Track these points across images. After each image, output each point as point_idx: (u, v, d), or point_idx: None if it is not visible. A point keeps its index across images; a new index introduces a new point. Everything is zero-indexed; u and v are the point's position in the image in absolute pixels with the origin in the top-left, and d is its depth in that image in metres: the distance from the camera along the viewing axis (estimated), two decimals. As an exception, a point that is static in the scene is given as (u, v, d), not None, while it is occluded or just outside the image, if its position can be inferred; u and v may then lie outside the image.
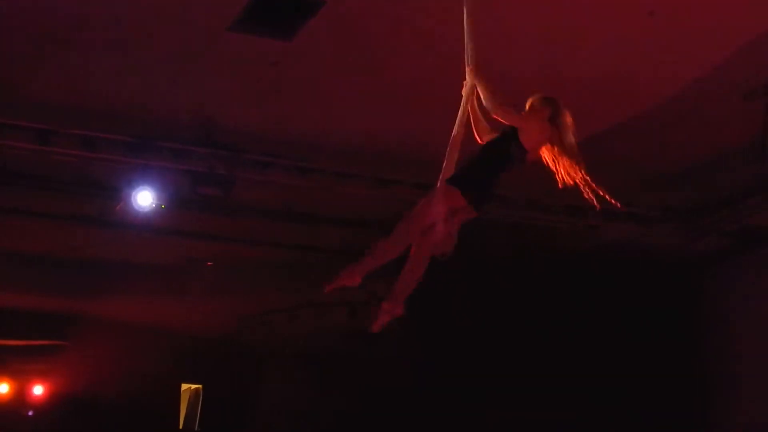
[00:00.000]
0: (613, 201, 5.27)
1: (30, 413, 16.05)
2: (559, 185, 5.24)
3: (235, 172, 9.81)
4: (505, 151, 5.12)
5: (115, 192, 9.97)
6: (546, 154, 5.27)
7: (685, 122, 9.42)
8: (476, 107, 5.26)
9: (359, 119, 9.18)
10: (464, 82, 5.20)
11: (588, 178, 5.26)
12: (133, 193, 9.79)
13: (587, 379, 12.47)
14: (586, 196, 5.30)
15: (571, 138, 5.23)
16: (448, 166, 5.12)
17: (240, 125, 9.39)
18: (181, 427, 17.60)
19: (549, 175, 5.48)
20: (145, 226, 10.71)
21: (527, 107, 5.24)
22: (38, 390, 16.09)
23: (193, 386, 17.84)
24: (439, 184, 5.07)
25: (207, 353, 16.91)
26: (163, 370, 16.30)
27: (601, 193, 5.30)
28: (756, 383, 12.40)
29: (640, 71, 8.32)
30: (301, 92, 8.70)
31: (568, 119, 5.23)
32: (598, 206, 5.32)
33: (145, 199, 9.82)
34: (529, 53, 7.85)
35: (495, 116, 5.13)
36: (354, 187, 10.17)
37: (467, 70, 5.19)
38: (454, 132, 5.16)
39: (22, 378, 16.03)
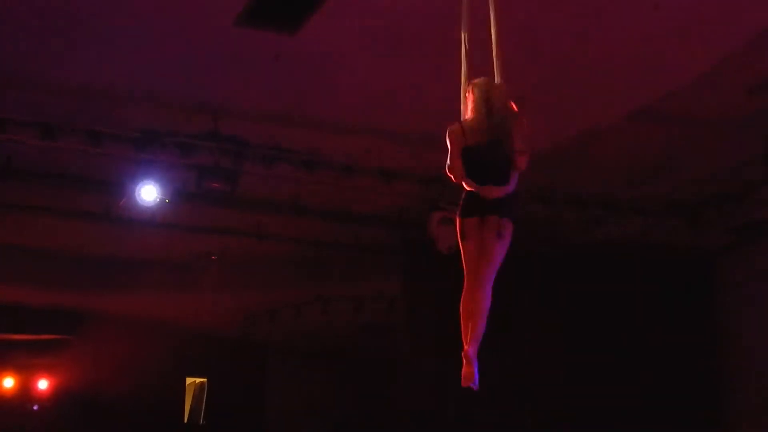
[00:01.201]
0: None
1: (35, 408, 16.05)
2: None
3: (242, 166, 9.80)
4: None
5: (119, 187, 9.96)
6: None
7: (689, 116, 9.37)
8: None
9: (361, 113, 9.14)
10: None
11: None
12: (138, 188, 9.78)
13: (596, 377, 12.35)
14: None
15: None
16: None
17: (246, 119, 9.34)
18: (186, 421, 17.58)
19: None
20: (150, 221, 10.69)
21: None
22: (43, 385, 16.08)
23: (198, 380, 17.80)
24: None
25: (212, 348, 16.93)
26: (169, 364, 16.29)
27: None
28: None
29: (645, 63, 8.22)
30: (306, 85, 8.66)
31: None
32: None
33: (149, 193, 9.82)
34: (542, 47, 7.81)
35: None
36: (360, 181, 10.13)
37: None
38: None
39: (27, 373, 16.03)
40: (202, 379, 17.74)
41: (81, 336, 15.49)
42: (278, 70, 8.33)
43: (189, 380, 17.75)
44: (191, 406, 17.77)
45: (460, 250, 4.93)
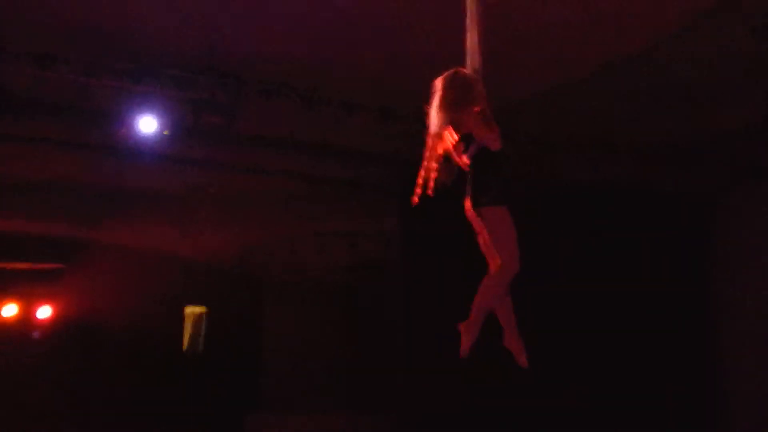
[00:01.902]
0: None
1: (36, 335, 16.15)
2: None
3: (238, 101, 9.69)
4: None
5: (118, 118, 9.86)
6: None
7: (688, 58, 9.20)
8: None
9: (367, 47, 8.98)
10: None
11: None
12: (136, 120, 9.74)
13: (589, 312, 12.41)
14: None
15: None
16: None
17: (244, 53, 9.22)
18: (184, 348, 17.73)
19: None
20: (148, 153, 10.63)
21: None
22: (44, 312, 16.16)
23: (198, 309, 17.88)
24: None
25: (211, 278, 17.05)
26: (168, 293, 16.43)
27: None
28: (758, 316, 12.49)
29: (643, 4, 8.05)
30: (306, 19, 8.49)
31: None
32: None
33: (148, 125, 9.78)
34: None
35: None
36: (360, 118, 10.07)
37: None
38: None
39: (28, 301, 16.09)
40: (200, 309, 17.83)
41: (82, 265, 15.51)
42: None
43: (188, 309, 17.81)
44: (190, 334, 17.84)
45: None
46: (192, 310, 17.82)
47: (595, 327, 12.39)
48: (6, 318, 15.92)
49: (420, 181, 4.77)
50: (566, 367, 12.04)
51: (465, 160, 4.77)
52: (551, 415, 11.91)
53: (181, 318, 17.70)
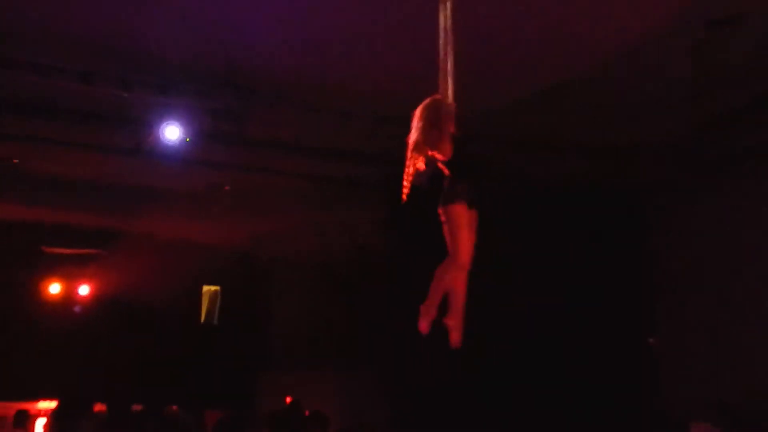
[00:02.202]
0: None
1: (77, 309, 16.21)
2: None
3: (249, 110, 9.66)
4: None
5: (147, 126, 9.83)
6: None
7: (629, 71, 9.04)
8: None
9: (362, 62, 8.85)
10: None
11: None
12: (162, 128, 9.69)
13: (538, 304, 12.05)
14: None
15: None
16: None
17: (255, 69, 9.09)
18: (202, 321, 17.78)
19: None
20: (173, 156, 10.46)
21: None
22: (84, 290, 16.23)
23: (213, 288, 17.91)
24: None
25: (225, 262, 16.97)
26: (188, 274, 16.38)
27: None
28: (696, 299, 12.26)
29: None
30: (308, 39, 8.38)
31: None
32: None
33: (172, 132, 9.72)
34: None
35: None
36: (356, 124, 9.98)
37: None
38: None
39: (71, 280, 16.16)
40: (216, 287, 17.87)
41: (117, 251, 15.44)
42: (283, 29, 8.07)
43: (205, 288, 17.86)
44: (207, 309, 17.91)
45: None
46: (208, 289, 17.86)
47: (544, 314, 12.05)
48: (52, 294, 16.01)
49: (405, 183, 4.85)
50: (513, 353, 11.74)
51: (440, 165, 4.91)
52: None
53: (199, 295, 17.73)
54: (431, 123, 4.87)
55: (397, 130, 9.39)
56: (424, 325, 4.98)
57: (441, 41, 5.06)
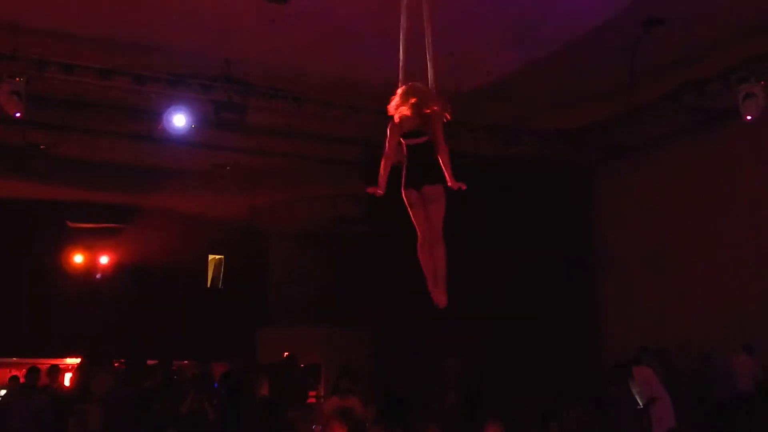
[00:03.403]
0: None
1: (98, 276, 15.94)
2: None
3: (247, 101, 9.73)
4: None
5: (158, 115, 9.87)
6: None
7: (572, 67, 9.34)
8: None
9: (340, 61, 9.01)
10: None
11: None
12: (172, 117, 9.72)
13: (492, 276, 11.66)
14: None
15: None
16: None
17: (252, 66, 9.26)
18: (208, 285, 17.57)
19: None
20: (181, 141, 10.53)
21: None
22: (104, 260, 15.97)
23: (218, 256, 17.69)
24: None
25: (227, 233, 16.76)
26: (196, 245, 16.17)
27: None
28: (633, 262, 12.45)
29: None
30: (296, 40, 8.59)
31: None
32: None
33: (180, 120, 9.75)
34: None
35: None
36: (336, 112, 10.09)
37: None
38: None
39: (92, 251, 15.87)
40: (220, 256, 17.62)
41: (132, 225, 15.27)
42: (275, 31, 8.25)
43: (211, 257, 17.60)
44: (213, 275, 17.67)
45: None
46: (213, 257, 17.63)
47: (502, 282, 11.76)
48: (76, 264, 15.77)
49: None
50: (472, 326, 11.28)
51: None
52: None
53: (206, 263, 17.50)
54: (429, 93, 4.71)
55: (369, 117, 9.68)
56: (438, 301, 4.69)
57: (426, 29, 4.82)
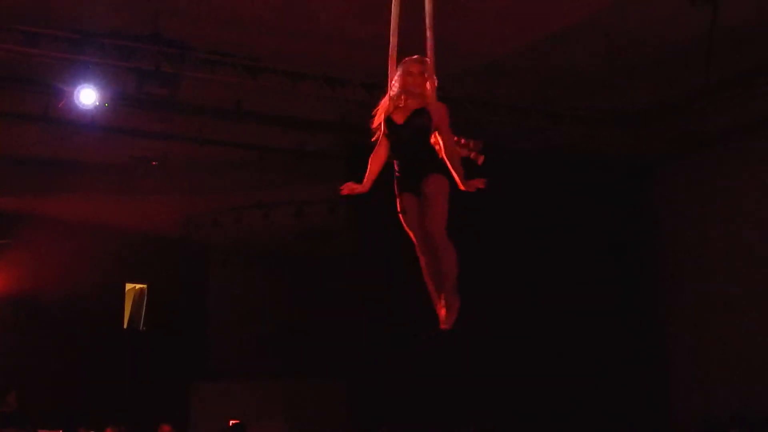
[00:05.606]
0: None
1: None
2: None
3: (183, 71, 9.76)
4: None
5: (58, 89, 9.88)
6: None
7: (631, 26, 9.48)
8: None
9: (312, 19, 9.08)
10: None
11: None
12: (76, 91, 9.73)
13: (538, 278, 12.39)
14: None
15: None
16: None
17: (189, 19, 9.24)
18: (125, 326, 17.56)
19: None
20: (89, 124, 10.57)
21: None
22: None
23: (138, 286, 17.70)
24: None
25: (153, 252, 16.88)
26: (108, 268, 16.24)
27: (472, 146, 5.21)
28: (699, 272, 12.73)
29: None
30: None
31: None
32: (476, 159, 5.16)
33: (88, 96, 9.77)
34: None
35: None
36: (304, 87, 10.15)
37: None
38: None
39: None
40: (142, 285, 17.63)
41: (20, 239, 15.24)
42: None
43: (129, 286, 17.60)
44: (131, 311, 17.66)
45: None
46: (132, 287, 17.63)
47: (542, 290, 12.36)
48: None
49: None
50: (509, 332, 11.99)
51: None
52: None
53: (121, 295, 17.49)
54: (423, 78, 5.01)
55: (349, 92, 9.71)
56: (445, 321, 4.98)
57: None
